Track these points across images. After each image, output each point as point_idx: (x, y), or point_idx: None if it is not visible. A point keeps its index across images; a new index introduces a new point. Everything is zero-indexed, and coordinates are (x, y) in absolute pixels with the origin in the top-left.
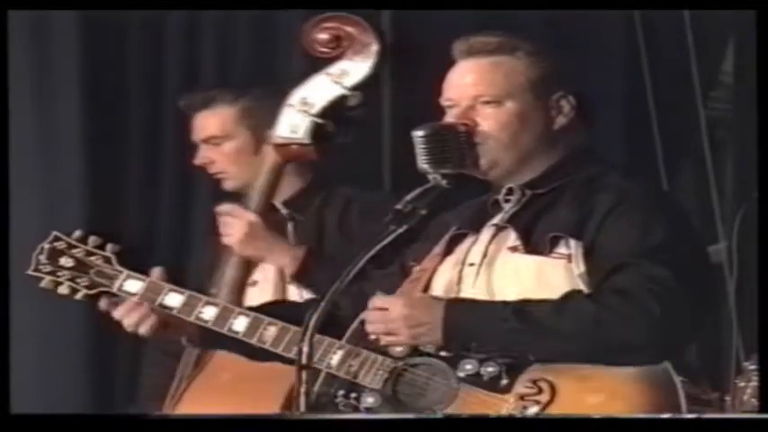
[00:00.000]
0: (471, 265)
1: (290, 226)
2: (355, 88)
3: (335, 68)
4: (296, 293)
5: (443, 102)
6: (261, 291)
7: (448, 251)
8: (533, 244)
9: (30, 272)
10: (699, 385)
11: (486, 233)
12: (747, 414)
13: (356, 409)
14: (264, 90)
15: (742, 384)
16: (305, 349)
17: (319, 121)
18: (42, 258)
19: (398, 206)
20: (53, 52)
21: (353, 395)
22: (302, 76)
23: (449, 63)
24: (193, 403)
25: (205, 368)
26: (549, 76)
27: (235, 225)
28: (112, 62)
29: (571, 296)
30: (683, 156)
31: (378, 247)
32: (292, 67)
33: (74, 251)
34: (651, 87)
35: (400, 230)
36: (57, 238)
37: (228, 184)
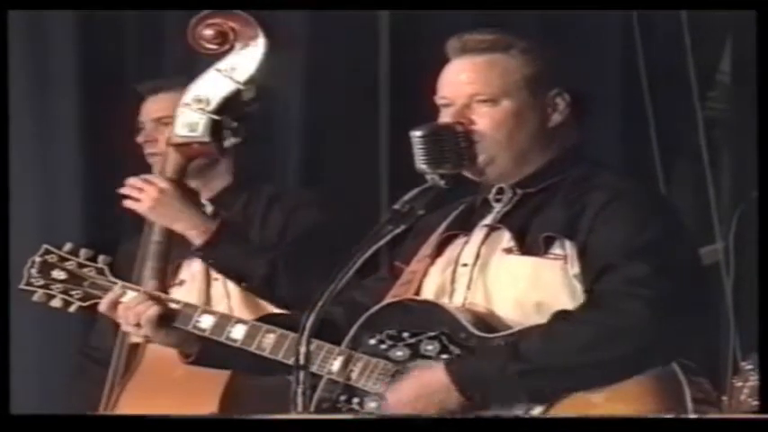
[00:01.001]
0: (465, 265)
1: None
2: (248, 82)
3: (225, 64)
4: (221, 293)
5: (438, 100)
6: (187, 291)
7: (438, 252)
8: (528, 245)
9: (22, 286)
10: (700, 384)
11: (479, 234)
12: (747, 414)
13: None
14: None
15: (739, 384)
16: (302, 349)
17: (216, 117)
18: (34, 272)
19: (396, 206)
20: (51, 53)
21: (356, 400)
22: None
23: (445, 62)
24: (130, 406)
25: (137, 371)
26: (545, 74)
27: (145, 190)
28: (110, 64)
29: (557, 321)
30: (681, 156)
31: (375, 247)
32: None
33: (65, 264)
34: (648, 87)
35: (398, 230)
36: (47, 251)
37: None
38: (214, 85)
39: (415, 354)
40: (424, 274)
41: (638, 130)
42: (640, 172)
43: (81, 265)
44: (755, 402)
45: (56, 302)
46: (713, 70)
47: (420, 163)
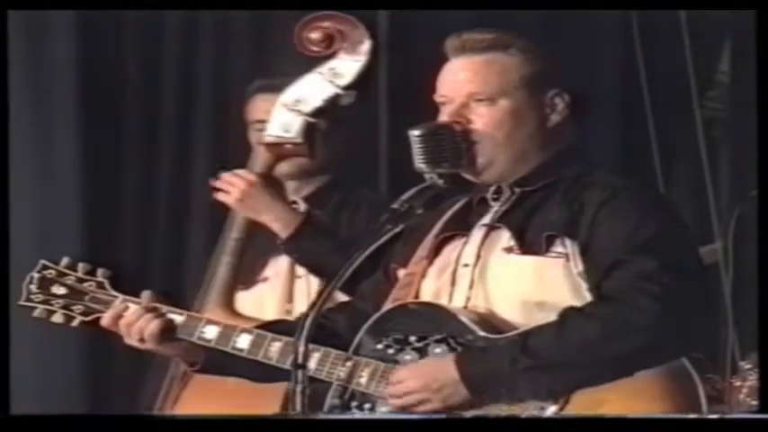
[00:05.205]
0: (465, 266)
1: None
2: (348, 87)
3: (328, 67)
4: (303, 290)
5: (437, 98)
6: (271, 287)
7: (435, 253)
8: (528, 244)
9: (22, 302)
10: (714, 382)
11: (478, 233)
12: (748, 414)
13: None
14: None
15: (738, 384)
16: (300, 348)
17: (312, 120)
18: (33, 288)
19: (395, 205)
20: (50, 54)
21: (367, 405)
22: (296, 75)
23: (444, 61)
24: (191, 404)
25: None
26: (543, 74)
27: (235, 183)
28: (111, 68)
29: (567, 317)
30: (680, 155)
31: (373, 246)
32: (286, 66)
33: (65, 279)
34: (647, 87)
35: (396, 230)
36: (45, 267)
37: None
38: (314, 88)
39: (424, 357)
40: (422, 275)
41: (638, 130)
42: (639, 172)
43: (80, 280)
44: (754, 402)
45: (57, 318)
46: (712, 70)
47: (419, 162)
